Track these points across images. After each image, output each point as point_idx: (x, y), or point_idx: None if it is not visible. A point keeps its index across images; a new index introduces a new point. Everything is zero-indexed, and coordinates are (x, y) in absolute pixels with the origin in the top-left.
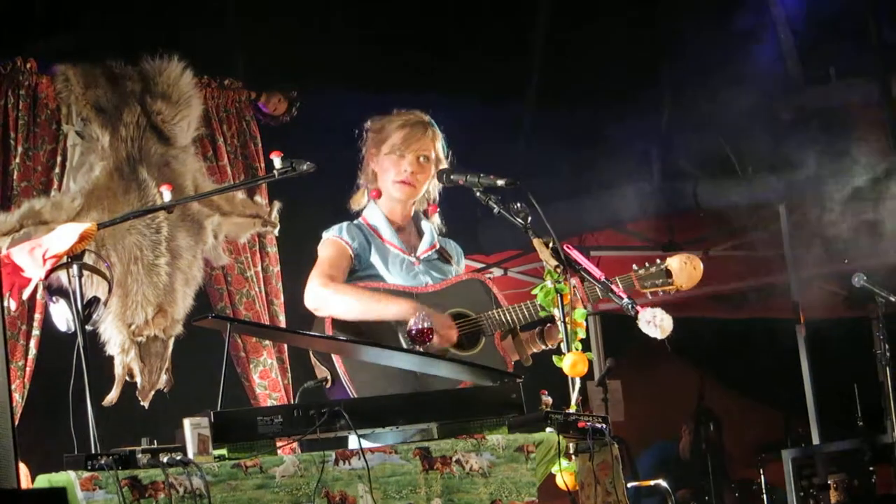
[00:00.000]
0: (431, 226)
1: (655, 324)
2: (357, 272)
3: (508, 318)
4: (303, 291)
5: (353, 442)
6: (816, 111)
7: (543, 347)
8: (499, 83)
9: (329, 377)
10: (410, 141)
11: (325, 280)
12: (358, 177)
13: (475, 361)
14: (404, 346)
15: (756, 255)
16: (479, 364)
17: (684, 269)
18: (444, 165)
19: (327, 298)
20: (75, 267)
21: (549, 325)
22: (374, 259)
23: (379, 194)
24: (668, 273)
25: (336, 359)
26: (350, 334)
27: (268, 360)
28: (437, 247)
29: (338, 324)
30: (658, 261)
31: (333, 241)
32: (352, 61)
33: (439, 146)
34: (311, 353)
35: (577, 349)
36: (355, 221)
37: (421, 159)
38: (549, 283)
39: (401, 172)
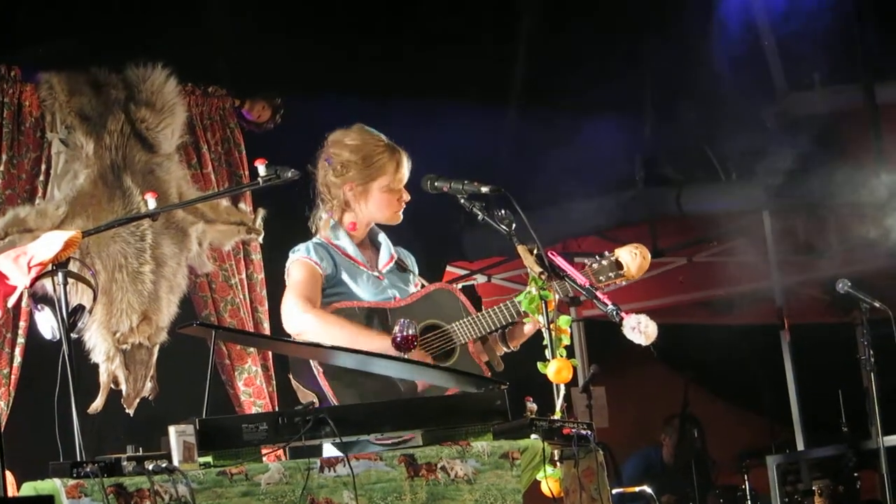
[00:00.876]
0: (385, 236)
1: (640, 330)
2: (326, 290)
3: (478, 325)
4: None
5: (327, 450)
6: (800, 117)
7: (505, 350)
8: (482, 89)
9: (316, 400)
10: (401, 174)
11: (305, 305)
12: (319, 201)
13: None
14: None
15: (740, 260)
16: (465, 371)
17: (634, 259)
18: None
19: (308, 327)
20: (60, 275)
21: (510, 326)
22: (345, 276)
23: (356, 227)
24: (619, 265)
25: (321, 379)
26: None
27: (252, 367)
28: (395, 258)
29: None
30: (607, 253)
31: (304, 263)
32: (336, 68)
33: None
34: (291, 378)
35: (561, 356)
36: (318, 240)
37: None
38: (533, 290)
39: (400, 203)
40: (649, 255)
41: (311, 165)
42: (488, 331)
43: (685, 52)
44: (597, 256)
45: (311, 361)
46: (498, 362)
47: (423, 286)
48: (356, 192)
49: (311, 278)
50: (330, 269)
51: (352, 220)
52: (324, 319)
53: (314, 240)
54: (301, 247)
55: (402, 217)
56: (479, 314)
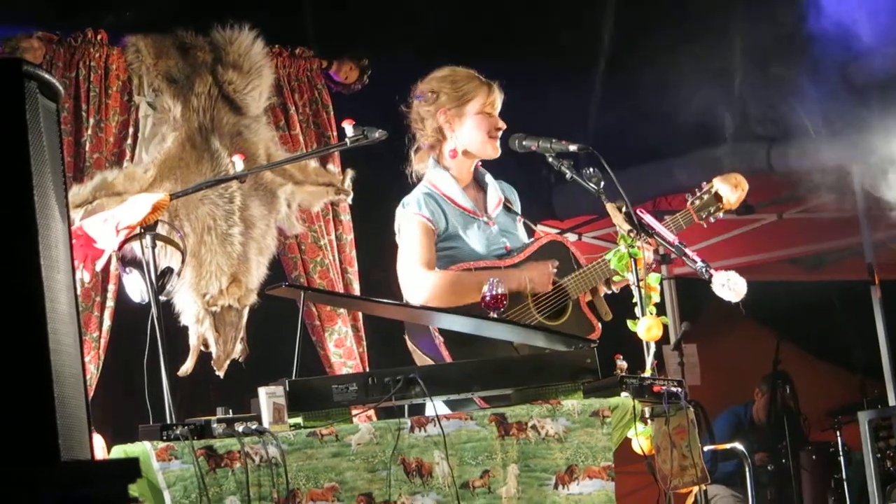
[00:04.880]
0: (492, 178)
1: (729, 287)
2: (439, 244)
3: (590, 277)
4: (378, 258)
5: (430, 409)
6: (889, 74)
7: (606, 291)
8: (570, 47)
9: None
10: (493, 98)
11: (426, 270)
12: (414, 138)
13: (565, 329)
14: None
15: (830, 217)
16: (554, 330)
17: (734, 192)
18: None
19: (435, 291)
20: (148, 238)
21: None
22: (453, 228)
23: (456, 154)
24: (719, 197)
25: (442, 349)
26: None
27: (342, 328)
28: (503, 200)
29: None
30: (704, 185)
31: (418, 221)
32: (423, 28)
33: None
34: (407, 339)
35: (651, 313)
36: (426, 190)
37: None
38: (622, 248)
39: (494, 130)
40: (745, 182)
41: (405, 106)
42: (598, 281)
43: (774, 8)
44: (696, 191)
45: (430, 328)
46: (606, 312)
47: (525, 224)
48: (449, 117)
49: (426, 238)
50: (442, 224)
51: (451, 147)
52: (446, 277)
53: (422, 189)
54: (411, 200)
55: (500, 150)
56: (589, 266)
